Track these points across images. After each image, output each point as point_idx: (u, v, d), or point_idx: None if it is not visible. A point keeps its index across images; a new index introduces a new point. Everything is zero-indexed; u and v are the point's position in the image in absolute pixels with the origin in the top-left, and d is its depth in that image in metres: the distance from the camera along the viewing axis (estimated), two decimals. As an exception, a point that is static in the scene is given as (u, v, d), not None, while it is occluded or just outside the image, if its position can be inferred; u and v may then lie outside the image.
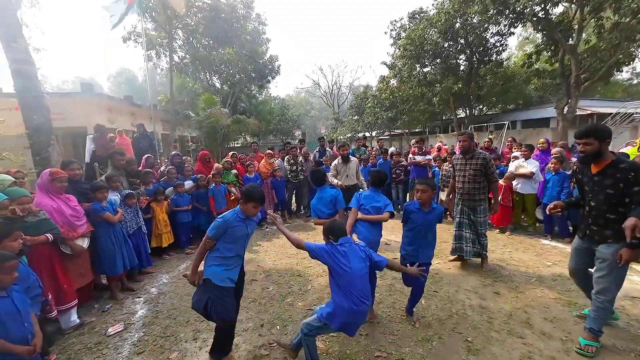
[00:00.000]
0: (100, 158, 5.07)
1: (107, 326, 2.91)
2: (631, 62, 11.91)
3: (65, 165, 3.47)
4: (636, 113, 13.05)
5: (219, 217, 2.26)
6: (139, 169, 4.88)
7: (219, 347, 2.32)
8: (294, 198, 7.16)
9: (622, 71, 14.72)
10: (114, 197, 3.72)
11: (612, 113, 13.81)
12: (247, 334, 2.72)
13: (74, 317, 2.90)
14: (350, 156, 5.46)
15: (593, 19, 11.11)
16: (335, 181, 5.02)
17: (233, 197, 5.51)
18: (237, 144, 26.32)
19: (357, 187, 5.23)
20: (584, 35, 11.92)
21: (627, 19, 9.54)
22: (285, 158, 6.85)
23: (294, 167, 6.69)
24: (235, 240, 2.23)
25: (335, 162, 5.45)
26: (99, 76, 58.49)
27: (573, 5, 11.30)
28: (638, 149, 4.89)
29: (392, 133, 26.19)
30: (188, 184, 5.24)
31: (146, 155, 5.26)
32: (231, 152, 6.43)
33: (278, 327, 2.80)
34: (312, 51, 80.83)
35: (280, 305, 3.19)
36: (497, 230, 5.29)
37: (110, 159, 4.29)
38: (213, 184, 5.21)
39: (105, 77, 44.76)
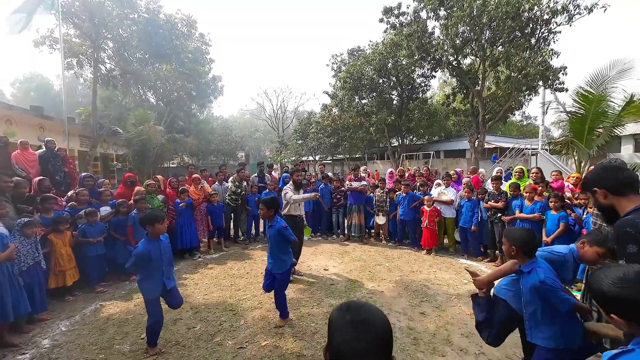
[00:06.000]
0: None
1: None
2: (520, 108, 14.79)
3: None
4: (526, 148, 16.01)
5: None
6: (31, 193, 4.11)
7: None
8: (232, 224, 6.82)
9: (515, 114, 18.09)
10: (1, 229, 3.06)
11: (509, 147, 16.73)
12: (164, 386, 2.38)
13: None
14: (302, 184, 4.97)
15: (492, 71, 13.62)
16: (305, 195, 4.71)
17: (160, 225, 4.99)
18: (172, 164, 24.45)
19: (303, 218, 4.93)
20: (487, 83, 14.45)
21: (515, 74, 11.90)
22: (230, 179, 6.57)
23: (239, 190, 6.44)
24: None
25: (288, 187, 4.75)
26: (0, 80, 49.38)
27: (477, 59, 13.71)
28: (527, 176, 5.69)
29: (334, 158, 27.30)
30: (105, 210, 4.61)
31: (39, 178, 4.46)
32: (154, 176, 5.93)
33: (202, 372, 2.53)
34: (258, 75, 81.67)
35: (207, 346, 2.90)
36: (424, 252, 5.76)
37: None
38: (135, 211, 4.65)
39: (9, 82, 37.84)
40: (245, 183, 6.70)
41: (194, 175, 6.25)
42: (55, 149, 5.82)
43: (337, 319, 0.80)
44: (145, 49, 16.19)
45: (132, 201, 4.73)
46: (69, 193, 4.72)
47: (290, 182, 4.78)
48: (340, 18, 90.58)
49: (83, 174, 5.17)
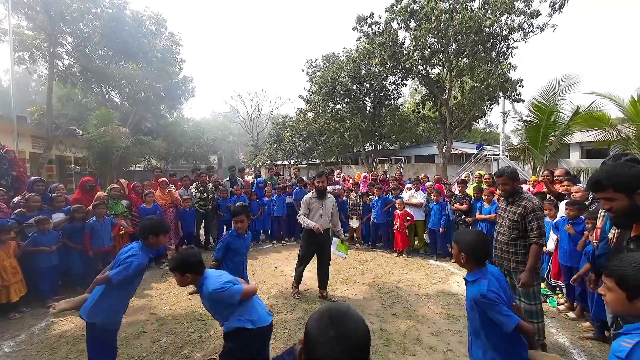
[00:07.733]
0: None
1: None
2: (483, 116, 15.76)
3: None
4: (488, 154, 17.08)
5: None
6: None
7: None
8: (202, 230, 6.58)
9: (478, 122, 19.25)
10: None
11: (474, 153, 17.77)
12: (124, 405, 2.22)
13: None
14: (327, 192, 4.09)
15: (458, 82, 14.43)
16: (309, 223, 3.84)
17: (122, 232, 4.70)
18: (139, 167, 23.17)
19: (329, 233, 4.09)
20: (453, 92, 15.26)
21: (478, 85, 12.71)
22: (194, 185, 6.32)
23: (204, 195, 6.22)
24: None
25: (309, 196, 4.06)
26: None
27: (444, 69, 14.47)
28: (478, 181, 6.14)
29: (309, 162, 27.33)
30: (58, 216, 4.24)
31: None
32: (117, 180, 5.59)
33: (167, 388, 2.39)
34: (232, 77, 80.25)
35: (173, 359, 2.75)
36: (396, 254, 5.91)
37: None
38: (93, 218, 4.32)
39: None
40: (211, 186, 6.48)
41: (161, 179, 5.95)
42: (2, 150, 5.31)
43: (318, 332, 0.73)
44: (109, 46, 15.31)
45: (90, 207, 4.40)
46: (16, 199, 4.30)
47: (314, 189, 4.08)
48: (316, 21, 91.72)
49: (33, 177, 4.74)
